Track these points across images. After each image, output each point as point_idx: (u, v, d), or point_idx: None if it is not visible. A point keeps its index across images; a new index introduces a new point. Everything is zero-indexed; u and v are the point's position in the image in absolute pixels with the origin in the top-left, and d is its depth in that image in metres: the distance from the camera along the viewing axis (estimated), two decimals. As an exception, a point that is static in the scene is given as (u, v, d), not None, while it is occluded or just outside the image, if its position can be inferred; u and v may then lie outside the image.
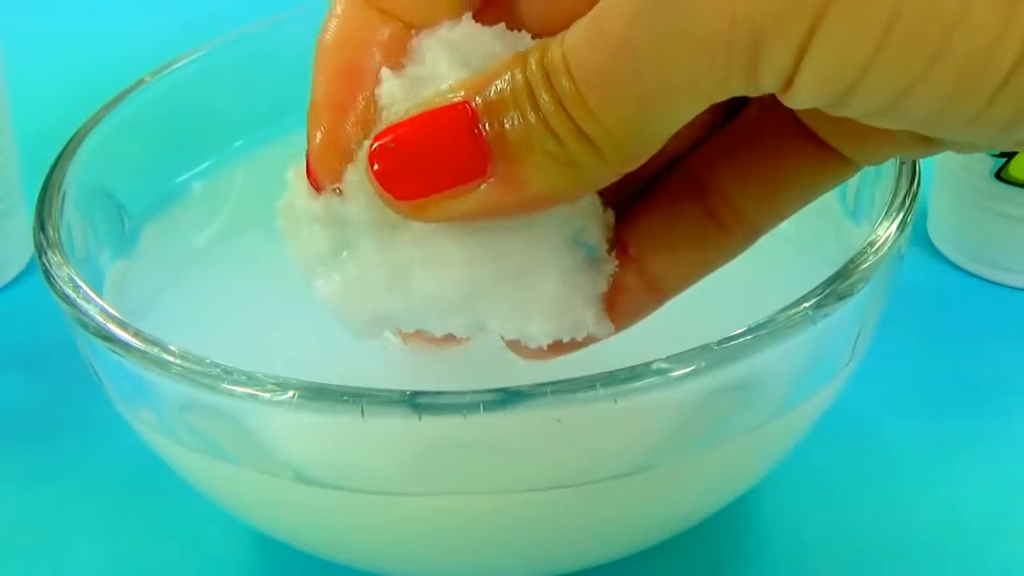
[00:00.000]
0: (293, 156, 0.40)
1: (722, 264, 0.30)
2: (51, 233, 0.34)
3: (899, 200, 0.32)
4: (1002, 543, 0.38)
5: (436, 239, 0.27)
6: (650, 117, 0.24)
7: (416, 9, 0.28)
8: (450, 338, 0.29)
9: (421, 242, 0.27)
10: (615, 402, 0.27)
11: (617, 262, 0.29)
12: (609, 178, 0.26)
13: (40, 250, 0.33)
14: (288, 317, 0.34)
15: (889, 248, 0.30)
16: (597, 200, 0.29)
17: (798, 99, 0.23)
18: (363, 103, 0.28)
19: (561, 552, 0.33)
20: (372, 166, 0.26)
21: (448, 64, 0.27)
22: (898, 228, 0.31)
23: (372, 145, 0.26)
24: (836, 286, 0.29)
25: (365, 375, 0.30)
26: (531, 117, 0.25)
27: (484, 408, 0.27)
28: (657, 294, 0.29)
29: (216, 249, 0.39)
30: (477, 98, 0.26)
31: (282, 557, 0.38)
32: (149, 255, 0.38)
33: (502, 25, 0.28)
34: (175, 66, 0.40)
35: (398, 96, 0.27)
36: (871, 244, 0.31)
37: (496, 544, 0.32)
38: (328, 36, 0.28)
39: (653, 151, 0.25)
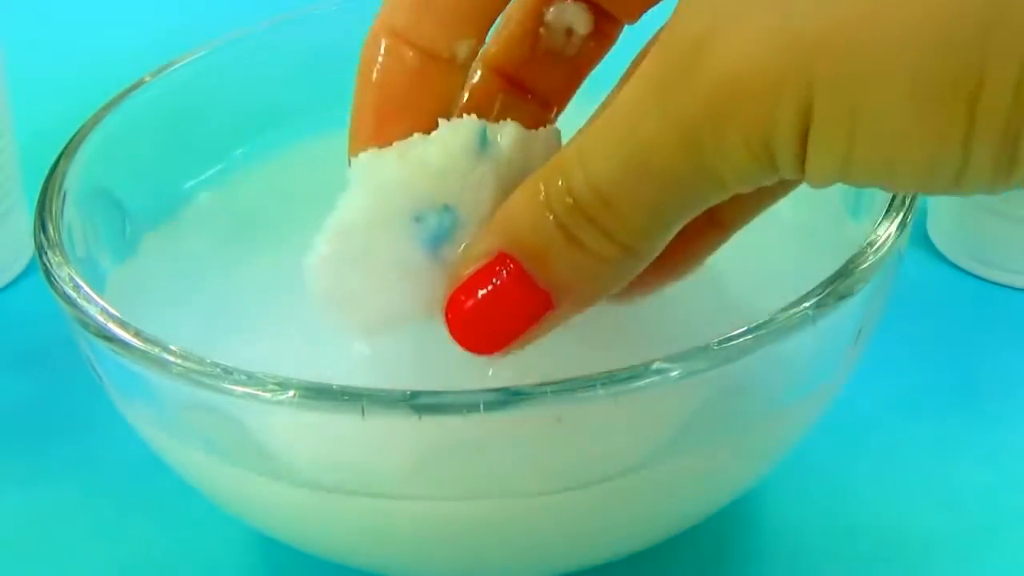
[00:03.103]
0: (294, 159, 0.41)
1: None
2: (51, 233, 0.33)
3: (899, 200, 0.32)
4: (1002, 543, 0.38)
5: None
6: (687, 213, 0.26)
7: (438, 38, 0.29)
8: None
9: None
10: (615, 402, 0.27)
11: None
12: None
13: (41, 250, 0.33)
14: (289, 319, 0.34)
15: (889, 248, 0.30)
16: None
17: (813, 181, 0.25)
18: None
19: (561, 552, 0.33)
20: (456, 338, 0.29)
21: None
22: (898, 228, 0.31)
23: (447, 318, 0.29)
24: (836, 286, 0.29)
25: (365, 375, 0.30)
26: (576, 256, 0.27)
27: (484, 408, 0.27)
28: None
29: (217, 253, 0.39)
30: (514, 248, 0.27)
31: (282, 557, 0.38)
32: (150, 258, 0.38)
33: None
34: (175, 66, 0.40)
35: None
36: (871, 244, 0.30)
37: (496, 543, 0.32)
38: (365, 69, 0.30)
39: None
